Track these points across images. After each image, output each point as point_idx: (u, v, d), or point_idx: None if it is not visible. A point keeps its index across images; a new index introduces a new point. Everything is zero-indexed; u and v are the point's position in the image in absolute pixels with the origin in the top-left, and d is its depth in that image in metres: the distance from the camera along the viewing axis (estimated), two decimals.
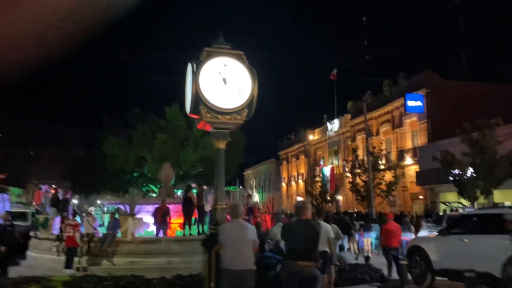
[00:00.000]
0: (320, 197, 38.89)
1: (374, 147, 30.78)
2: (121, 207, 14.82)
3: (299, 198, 63.09)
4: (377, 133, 40.70)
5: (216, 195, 7.10)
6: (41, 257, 14.43)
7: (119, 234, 13.75)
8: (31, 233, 15.39)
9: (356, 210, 34.28)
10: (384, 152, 34.61)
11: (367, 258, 11.27)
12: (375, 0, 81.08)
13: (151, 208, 14.89)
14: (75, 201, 39.78)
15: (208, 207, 14.51)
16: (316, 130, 54.99)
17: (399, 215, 19.84)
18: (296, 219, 5.63)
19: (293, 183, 60.84)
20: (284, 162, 64.81)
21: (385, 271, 11.03)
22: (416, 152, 34.01)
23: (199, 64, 6.71)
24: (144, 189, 33.76)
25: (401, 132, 36.93)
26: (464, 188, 20.27)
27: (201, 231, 14.43)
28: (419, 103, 33.08)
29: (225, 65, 6.85)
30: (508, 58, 47.53)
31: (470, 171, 20.43)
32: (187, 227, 14.71)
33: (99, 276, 8.59)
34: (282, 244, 10.07)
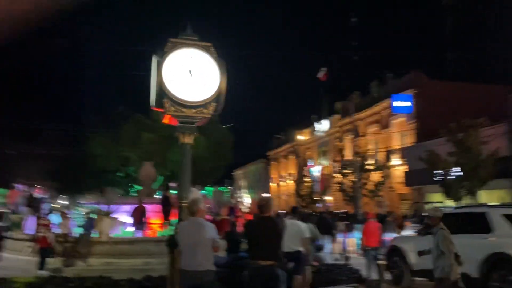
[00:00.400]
0: (308, 197, 38.67)
1: (359, 148, 30.62)
2: (98, 206, 14.48)
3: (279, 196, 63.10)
4: (365, 134, 40.59)
5: (181, 192, 6.83)
6: (15, 258, 14.04)
7: (95, 234, 13.42)
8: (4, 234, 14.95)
9: (345, 210, 34.16)
10: (371, 153, 34.45)
11: (346, 258, 11.05)
12: (361, 0, 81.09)
13: (129, 208, 14.56)
14: (62, 202, 39.26)
15: None
16: (305, 131, 54.83)
17: (384, 215, 19.63)
18: (258, 216, 5.36)
19: (282, 183, 60.65)
20: (273, 162, 64.61)
21: (365, 272, 10.84)
22: (404, 152, 33.92)
23: (163, 55, 6.43)
24: (130, 190, 33.26)
25: (389, 133, 36.85)
26: (449, 189, 20.14)
27: None
28: (407, 104, 32.99)
29: (191, 57, 6.58)
30: (496, 58, 47.55)
31: (455, 171, 20.32)
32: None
33: (65, 277, 8.26)
34: None
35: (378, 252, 11.02)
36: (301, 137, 54.92)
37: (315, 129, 51.03)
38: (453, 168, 20.45)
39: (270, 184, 64.60)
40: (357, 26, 56.90)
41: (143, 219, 14.20)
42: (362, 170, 29.83)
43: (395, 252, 10.26)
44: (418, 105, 32.56)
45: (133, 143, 32.14)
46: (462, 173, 19.81)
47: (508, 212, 8.12)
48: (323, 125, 49.66)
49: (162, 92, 6.38)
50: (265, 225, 5.17)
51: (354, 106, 30.57)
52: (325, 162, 49.55)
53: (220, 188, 52.01)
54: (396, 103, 33.44)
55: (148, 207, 14.99)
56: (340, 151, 32.75)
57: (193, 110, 6.56)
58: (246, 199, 75.57)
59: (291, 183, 53.99)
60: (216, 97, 6.60)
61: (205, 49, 6.66)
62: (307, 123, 54.56)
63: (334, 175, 33.06)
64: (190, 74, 6.50)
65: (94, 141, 33.92)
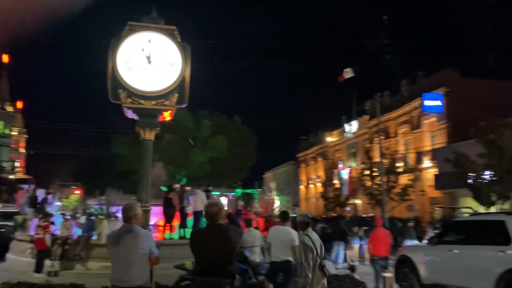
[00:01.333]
0: (334, 200, 37.41)
1: (387, 149, 29.23)
2: (102, 208, 14.02)
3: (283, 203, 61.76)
4: (396, 135, 39.04)
5: (141, 194, 6.10)
6: (17, 260, 13.77)
7: (94, 237, 12.94)
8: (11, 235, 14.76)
9: (372, 214, 32.80)
10: (399, 155, 32.91)
11: (351, 268, 10.07)
12: None
13: None
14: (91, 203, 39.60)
15: (189, 210, 13.56)
16: (334, 132, 53.49)
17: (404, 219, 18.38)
18: (208, 225, 4.55)
19: (311, 185, 59.42)
20: (303, 165, 63.44)
21: (373, 284, 9.83)
22: (435, 154, 32.23)
23: (117, 41, 5.73)
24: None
25: (420, 134, 35.20)
26: (479, 193, 18.66)
27: (182, 235, 13.48)
28: (438, 103, 31.34)
29: (149, 41, 5.85)
30: None
31: (487, 174, 18.83)
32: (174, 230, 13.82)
33: (33, 284, 7.72)
34: (248, 251, 9.01)
35: (387, 262, 10.02)
36: (330, 138, 53.62)
37: (345, 130, 49.66)
38: (484, 171, 18.94)
39: (300, 187, 63.47)
40: (388, 24, 54.99)
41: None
42: (389, 172, 28.41)
43: (404, 263, 9.21)
44: (449, 104, 30.85)
45: (154, 144, 31.99)
46: (493, 177, 18.29)
47: None
48: (352, 126, 48.26)
49: (116, 81, 5.69)
50: (214, 235, 4.36)
51: (379, 106, 29.15)
52: (354, 164, 48.08)
53: (249, 190, 51.51)
54: (427, 102, 31.83)
55: (153, 209, 14.41)
56: (367, 152, 31.32)
57: (153, 102, 5.84)
58: (276, 202, 74.77)
59: (319, 186, 52.72)
60: (178, 86, 5.84)
61: (168, 33, 5.93)
62: (337, 124, 53.22)
63: (361, 177, 31.67)
64: (149, 61, 5.78)
65: (118, 141, 34.00)
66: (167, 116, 5.99)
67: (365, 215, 33.80)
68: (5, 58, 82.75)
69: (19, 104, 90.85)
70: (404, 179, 28.89)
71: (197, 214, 13.54)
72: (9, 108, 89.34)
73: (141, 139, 5.85)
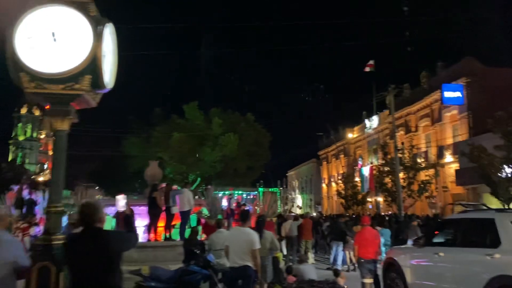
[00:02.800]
0: (352, 198, 36.11)
1: (402, 143, 27.84)
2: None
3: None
4: (416, 129, 37.46)
5: (51, 194, 5.33)
6: None
7: None
8: None
9: (390, 212, 31.44)
10: (415, 150, 31.36)
11: (335, 272, 9.09)
12: None
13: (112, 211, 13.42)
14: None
15: (175, 210, 12.82)
16: (355, 128, 52.07)
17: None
18: (83, 229, 3.74)
19: (333, 183, 58.07)
20: (324, 162, 62.13)
21: None
22: (456, 148, 30.58)
23: (18, 15, 4.98)
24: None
25: (441, 127, 33.57)
26: (497, 188, 17.25)
27: (168, 236, 12.77)
28: (458, 94, 29.74)
29: (56, 16, 5.07)
30: None
31: (506, 167, 17.42)
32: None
33: None
34: (212, 255, 8.18)
35: (375, 266, 9.00)
36: (351, 135, 52.23)
37: (366, 126, 48.23)
38: (503, 165, 17.53)
39: (322, 185, 62.18)
40: (409, 16, 53.20)
41: (132, 222, 12.96)
42: (407, 168, 27.08)
43: (391, 267, 8.19)
44: (471, 95, 29.20)
45: (164, 144, 31.52)
46: None
47: None
48: (373, 122, 46.80)
49: (17, 63, 4.92)
50: (88, 241, 3.56)
51: (394, 99, 27.79)
52: (375, 161, 46.59)
53: (272, 189, 50.72)
54: (447, 94, 30.26)
55: (143, 209, 13.82)
56: (383, 148, 29.99)
57: (60, 86, 5.00)
58: (299, 200, 73.66)
59: (340, 183, 51.42)
60: (89, 67, 5.01)
61: (79, 6, 5.11)
62: (358, 120, 51.78)
63: (378, 174, 30.34)
64: (54, 39, 4.98)
65: (129, 142, 33.74)
66: (92, 102, 5.19)
67: (385, 213, 32.54)
68: None
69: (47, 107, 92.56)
70: (422, 175, 27.47)
71: (184, 214, 12.82)
72: (37, 112, 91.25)
73: (52, 129, 5.03)
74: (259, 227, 8.47)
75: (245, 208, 14.21)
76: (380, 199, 43.96)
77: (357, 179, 48.89)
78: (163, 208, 12.78)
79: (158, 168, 17.21)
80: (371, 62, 42.24)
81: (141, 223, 14.49)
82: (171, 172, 34.07)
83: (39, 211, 14.41)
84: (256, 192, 37.91)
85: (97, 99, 5.64)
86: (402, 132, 39.86)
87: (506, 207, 16.99)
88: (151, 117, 35.85)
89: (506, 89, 26.98)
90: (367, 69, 40.72)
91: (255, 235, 6.84)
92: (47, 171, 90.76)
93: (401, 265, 7.82)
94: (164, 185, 13.63)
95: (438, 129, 33.97)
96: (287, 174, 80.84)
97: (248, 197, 32.03)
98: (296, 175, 76.46)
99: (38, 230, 13.01)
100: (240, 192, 33.72)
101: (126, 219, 12.90)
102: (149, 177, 16.89)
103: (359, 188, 42.99)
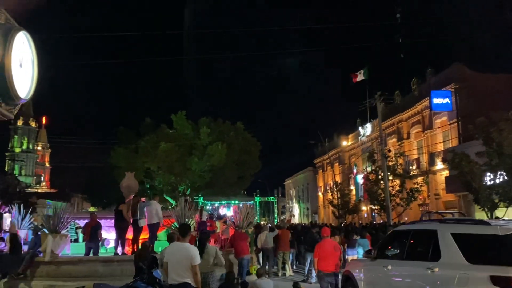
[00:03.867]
0: (343, 207, 35.73)
1: (389, 151, 27.57)
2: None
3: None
4: (408, 136, 37.18)
5: None
6: None
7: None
8: None
9: (381, 221, 31.10)
10: (403, 158, 31.11)
11: (295, 285, 8.76)
12: None
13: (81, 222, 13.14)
14: None
15: (142, 222, 12.49)
16: (350, 136, 51.81)
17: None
18: None
19: (329, 192, 57.66)
20: (320, 171, 61.76)
21: None
22: (446, 155, 30.28)
23: None
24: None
25: (432, 134, 33.30)
26: (479, 196, 16.91)
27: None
28: (447, 100, 29.49)
29: None
30: None
31: (487, 174, 17.12)
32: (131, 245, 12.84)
33: None
34: (158, 271, 7.88)
35: (336, 279, 8.68)
36: (345, 142, 51.97)
37: (360, 133, 47.94)
38: (486, 172, 17.22)
39: (318, 193, 61.75)
40: (401, 23, 52.97)
41: (98, 234, 12.71)
42: (395, 176, 26.79)
43: (349, 280, 7.88)
44: (460, 101, 28.94)
45: (151, 154, 31.27)
46: (494, 177, 16.55)
47: (459, 230, 5.57)
48: (367, 129, 46.51)
49: None
50: None
51: (380, 107, 27.53)
52: (369, 169, 46.26)
53: (269, 198, 50.25)
54: (436, 100, 30.02)
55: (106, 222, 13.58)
56: (370, 156, 29.73)
57: None
58: (296, 210, 73.14)
59: (333, 192, 51.07)
60: None
61: None
62: (353, 128, 51.51)
63: (367, 182, 30.03)
64: None
65: (115, 152, 33.47)
66: (7, 113, 4.95)
67: (375, 222, 32.16)
68: None
69: (43, 120, 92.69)
70: (411, 183, 27.16)
71: (152, 227, 12.49)
72: (33, 124, 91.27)
73: None
74: (203, 241, 8.16)
75: (203, 220, 13.92)
76: (374, 207, 43.65)
77: (352, 187, 48.58)
78: (131, 220, 12.49)
79: (134, 179, 16.87)
80: (357, 73, 41.95)
81: (111, 235, 14.23)
82: (160, 182, 33.77)
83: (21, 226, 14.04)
84: (253, 202, 37.56)
85: (14, 111, 5.42)
86: (394, 140, 39.63)
87: (489, 215, 16.66)
88: (140, 127, 35.65)
89: (495, 95, 26.73)
90: (355, 79, 40.48)
91: (194, 250, 6.55)
92: (43, 183, 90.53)
93: (356, 279, 7.52)
94: (131, 197, 13.31)
95: (429, 136, 33.71)
96: (284, 183, 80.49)
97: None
98: (293, 183, 76.08)
99: (2, 245, 12.75)
100: (236, 201, 33.36)
101: (94, 230, 12.66)
102: (124, 188, 16.51)
103: (351, 196, 42.59)
